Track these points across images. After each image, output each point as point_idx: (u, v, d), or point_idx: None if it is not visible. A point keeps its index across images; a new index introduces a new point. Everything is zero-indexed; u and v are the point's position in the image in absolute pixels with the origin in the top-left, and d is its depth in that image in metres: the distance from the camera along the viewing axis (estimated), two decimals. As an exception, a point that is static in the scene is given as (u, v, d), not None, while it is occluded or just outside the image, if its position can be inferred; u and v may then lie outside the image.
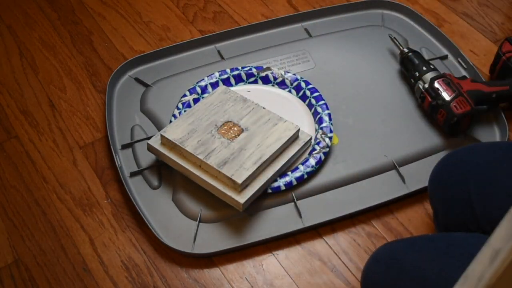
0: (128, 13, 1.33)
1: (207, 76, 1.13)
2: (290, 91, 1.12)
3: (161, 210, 0.99)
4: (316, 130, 1.07)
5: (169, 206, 1.00)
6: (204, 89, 1.12)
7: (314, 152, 1.02)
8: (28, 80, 1.20)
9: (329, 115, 1.07)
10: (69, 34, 1.29)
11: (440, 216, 0.87)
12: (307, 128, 1.07)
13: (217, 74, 1.14)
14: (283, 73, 1.14)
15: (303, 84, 1.12)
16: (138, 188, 1.02)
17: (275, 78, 1.13)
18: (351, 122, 1.10)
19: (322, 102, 1.08)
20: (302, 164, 1.01)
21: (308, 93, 1.10)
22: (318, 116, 1.07)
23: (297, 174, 1.00)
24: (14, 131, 1.13)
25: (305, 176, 1.00)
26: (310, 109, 1.09)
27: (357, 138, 1.08)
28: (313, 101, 1.09)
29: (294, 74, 1.13)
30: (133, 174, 1.03)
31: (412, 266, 0.69)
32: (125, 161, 1.05)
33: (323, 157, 1.02)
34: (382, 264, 0.73)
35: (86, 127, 1.13)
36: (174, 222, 0.98)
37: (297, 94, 1.12)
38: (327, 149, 1.03)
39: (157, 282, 0.94)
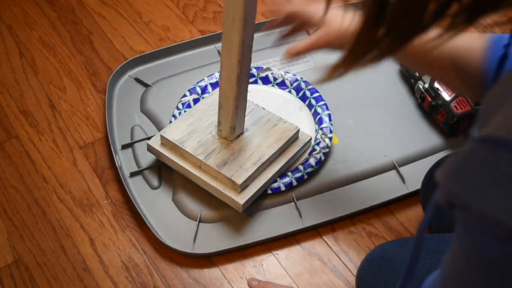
0: (128, 13, 1.33)
1: (207, 76, 1.13)
2: (290, 92, 1.12)
3: (161, 210, 0.99)
4: (316, 130, 1.07)
5: (169, 206, 1.00)
6: (204, 89, 1.12)
7: (314, 153, 1.02)
8: (28, 80, 1.20)
9: (329, 115, 1.07)
10: (69, 34, 1.29)
11: (432, 222, 0.89)
12: (307, 128, 1.07)
13: (217, 74, 1.14)
14: (283, 73, 1.13)
15: (303, 85, 1.12)
16: (138, 188, 1.02)
17: (275, 79, 1.13)
18: (351, 122, 1.10)
19: (322, 102, 1.08)
20: (302, 164, 1.01)
21: (308, 93, 1.10)
22: (318, 116, 1.07)
23: (297, 174, 1.00)
24: (14, 131, 1.13)
25: (305, 176, 1.00)
26: (310, 110, 1.09)
27: (357, 138, 1.08)
28: (313, 102, 1.09)
29: (294, 75, 1.13)
30: (133, 174, 1.03)
31: (403, 264, 0.70)
32: (125, 161, 1.05)
33: (323, 158, 1.02)
34: (374, 264, 0.74)
35: (86, 127, 1.13)
36: (174, 222, 0.98)
37: (297, 94, 1.12)
38: (327, 150, 1.03)
39: (157, 282, 0.94)
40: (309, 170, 1.01)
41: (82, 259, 0.96)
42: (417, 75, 1.10)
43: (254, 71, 1.14)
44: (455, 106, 1.03)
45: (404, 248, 0.74)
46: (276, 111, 1.04)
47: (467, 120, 1.05)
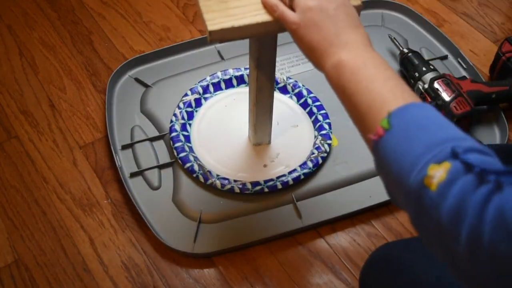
0: (128, 13, 1.33)
1: (209, 76, 1.14)
2: (291, 97, 1.13)
3: (161, 210, 1.00)
4: (315, 136, 1.07)
5: (169, 206, 1.00)
6: (205, 89, 1.12)
7: (312, 156, 1.03)
8: (28, 80, 1.20)
9: (329, 124, 1.07)
10: (69, 34, 1.29)
11: None
12: (307, 132, 1.07)
13: (219, 73, 1.14)
14: (285, 78, 1.13)
15: (304, 92, 1.12)
16: (138, 188, 1.02)
17: (277, 83, 1.13)
18: (350, 123, 1.09)
19: (323, 111, 1.09)
20: (300, 166, 1.02)
21: (310, 101, 1.11)
22: (319, 124, 1.07)
23: (294, 174, 1.00)
24: (14, 131, 1.13)
25: (302, 176, 1.00)
26: (311, 117, 1.10)
27: (356, 139, 1.07)
28: (314, 110, 1.09)
29: (296, 81, 1.13)
30: (133, 175, 1.03)
31: (409, 268, 0.69)
32: (125, 161, 1.05)
33: (320, 161, 1.02)
34: (378, 265, 0.73)
35: (86, 127, 1.13)
36: (174, 222, 0.98)
37: (298, 101, 1.12)
38: (325, 154, 1.03)
39: (157, 282, 0.94)
40: (306, 171, 1.01)
41: (82, 259, 0.96)
42: (417, 75, 1.11)
43: None
44: (454, 107, 1.03)
45: (408, 250, 0.73)
46: (276, 113, 1.04)
47: (467, 121, 1.05)
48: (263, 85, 0.90)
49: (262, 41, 0.82)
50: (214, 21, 0.70)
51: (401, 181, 0.47)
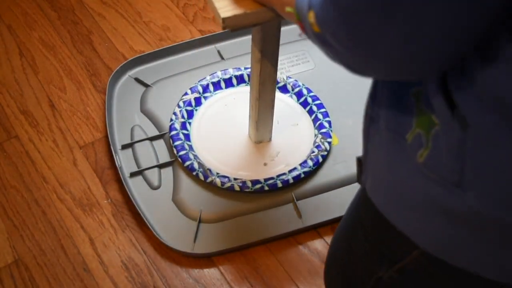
0: (128, 13, 1.33)
1: (209, 75, 1.14)
2: (291, 97, 1.13)
3: (161, 210, 1.00)
4: (315, 135, 1.07)
5: (169, 206, 1.00)
6: (205, 88, 1.12)
7: (312, 154, 1.03)
8: (28, 80, 1.20)
9: (329, 122, 1.07)
10: (69, 34, 1.29)
11: None
12: (307, 130, 1.07)
13: (219, 73, 1.14)
14: (285, 77, 1.13)
15: (304, 91, 1.12)
16: (138, 188, 1.02)
17: (277, 82, 1.13)
18: (350, 122, 1.10)
19: (323, 109, 1.09)
20: (300, 164, 1.02)
21: (310, 100, 1.11)
22: (319, 122, 1.07)
23: (295, 173, 1.00)
24: (14, 131, 1.13)
25: (302, 175, 1.00)
26: (311, 116, 1.10)
27: (357, 138, 1.07)
28: (314, 108, 1.09)
29: (296, 80, 1.13)
30: (133, 174, 1.03)
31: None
32: (125, 161, 1.05)
33: (321, 159, 1.02)
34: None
35: (86, 127, 1.13)
36: (174, 222, 0.98)
37: (298, 100, 1.12)
38: (326, 153, 1.03)
39: (157, 282, 0.94)
40: (306, 169, 1.01)
41: (82, 259, 0.96)
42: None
43: None
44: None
45: None
46: (276, 113, 1.04)
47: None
48: (266, 78, 0.90)
49: (266, 32, 0.82)
50: (226, 9, 0.70)
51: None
